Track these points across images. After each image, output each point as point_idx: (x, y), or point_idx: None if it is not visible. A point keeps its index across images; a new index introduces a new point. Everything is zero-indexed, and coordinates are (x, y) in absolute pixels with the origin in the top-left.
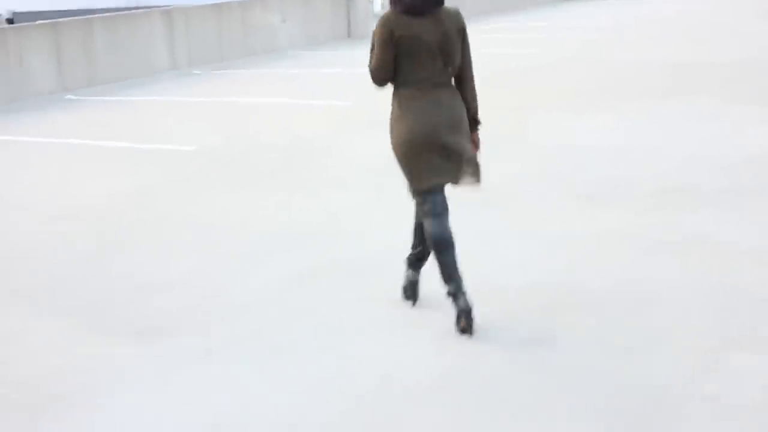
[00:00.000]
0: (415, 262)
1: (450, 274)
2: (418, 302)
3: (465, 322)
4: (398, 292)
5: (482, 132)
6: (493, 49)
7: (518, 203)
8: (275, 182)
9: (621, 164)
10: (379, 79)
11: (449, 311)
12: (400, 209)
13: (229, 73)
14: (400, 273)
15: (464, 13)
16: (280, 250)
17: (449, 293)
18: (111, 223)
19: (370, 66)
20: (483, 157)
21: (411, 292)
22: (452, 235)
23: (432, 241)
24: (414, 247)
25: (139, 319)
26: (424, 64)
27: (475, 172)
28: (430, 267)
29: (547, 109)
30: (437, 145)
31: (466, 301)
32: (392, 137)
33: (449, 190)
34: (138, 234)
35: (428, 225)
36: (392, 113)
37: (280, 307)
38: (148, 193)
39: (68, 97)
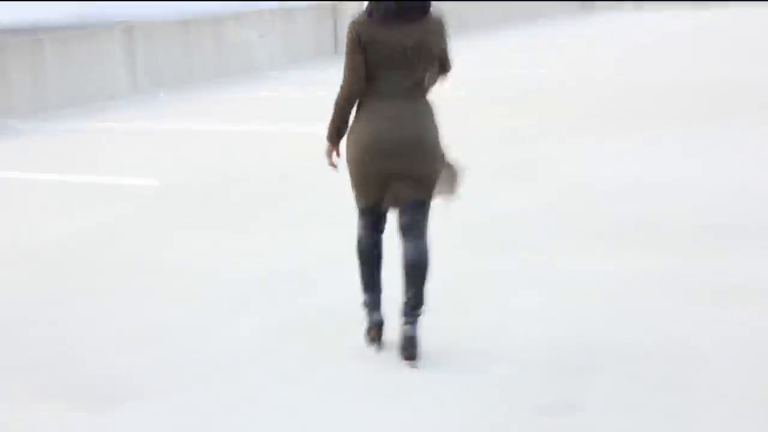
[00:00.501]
0: (410, 311)
1: (368, 283)
2: (418, 360)
3: (375, 333)
4: (395, 347)
5: (488, 164)
6: (498, 70)
7: (531, 243)
8: (254, 221)
9: (651, 199)
10: (348, 90)
11: (454, 372)
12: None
13: (199, 97)
14: (396, 324)
15: (466, 27)
16: (261, 299)
17: (364, 302)
18: (62, 269)
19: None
20: (489, 191)
21: (408, 349)
22: (381, 253)
23: (357, 252)
24: (405, 293)
25: (95, 380)
26: (392, 76)
27: (439, 190)
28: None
29: (563, 136)
30: (384, 170)
31: (380, 315)
32: (346, 147)
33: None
34: (95, 281)
35: (358, 235)
36: (350, 125)
37: (260, 365)
38: (106, 235)
39: (14, 124)
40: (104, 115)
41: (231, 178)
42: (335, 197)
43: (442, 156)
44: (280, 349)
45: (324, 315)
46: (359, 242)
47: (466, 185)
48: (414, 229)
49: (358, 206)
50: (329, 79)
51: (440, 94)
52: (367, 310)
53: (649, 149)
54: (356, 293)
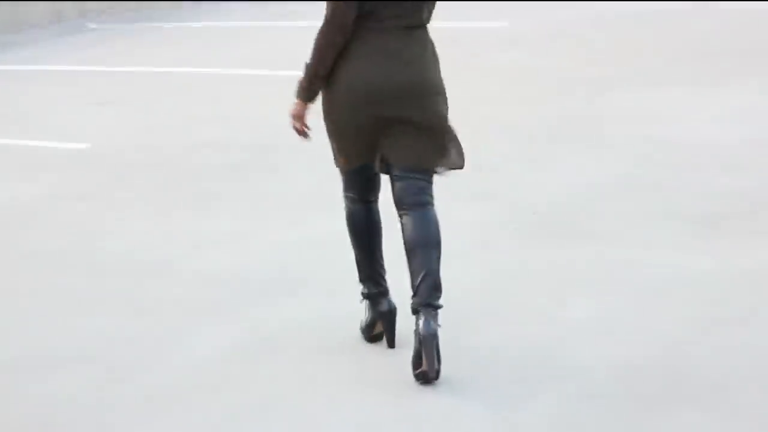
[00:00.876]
0: (423, 303)
1: (365, 272)
2: (432, 384)
3: (385, 324)
4: (405, 372)
5: (542, 122)
6: None
7: (600, 230)
8: (217, 200)
9: (762, 170)
10: (339, 22)
11: (488, 404)
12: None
13: (145, 28)
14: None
15: None
16: (227, 304)
17: (364, 295)
18: None
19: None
20: (543, 158)
21: (423, 360)
22: (379, 224)
23: (348, 228)
24: (414, 282)
25: (18, 410)
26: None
27: (448, 155)
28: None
29: (638, 83)
30: (380, 117)
31: (389, 303)
32: (323, 93)
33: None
34: (5, 279)
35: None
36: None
37: (226, 393)
38: (20, 217)
39: None
40: (15, 53)
41: (186, 140)
42: (325, 169)
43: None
44: (253, 372)
45: (310, 326)
46: (349, 217)
47: (512, 151)
48: (418, 196)
49: (341, 170)
50: (316, 5)
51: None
52: (368, 302)
53: (758, 102)
54: (354, 294)
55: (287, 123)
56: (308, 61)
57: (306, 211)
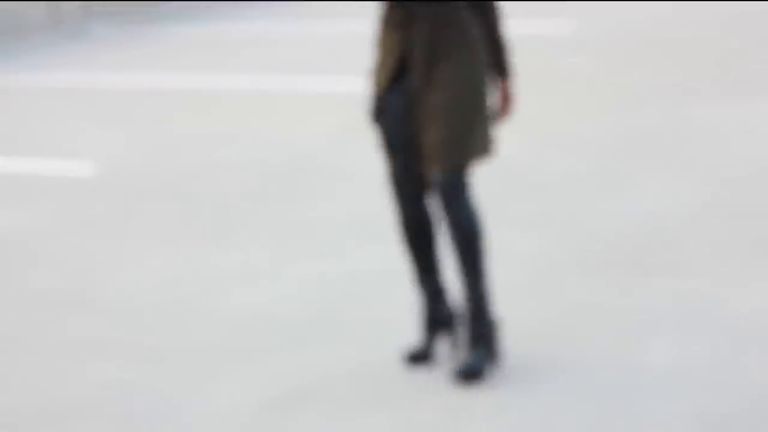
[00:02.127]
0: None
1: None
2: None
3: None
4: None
5: (607, 138)
6: None
7: (682, 264)
8: (241, 230)
9: None
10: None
11: None
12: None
13: (155, 33)
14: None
15: None
16: (253, 351)
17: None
18: None
19: None
20: (612, 180)
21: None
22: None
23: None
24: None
25: None
26: None
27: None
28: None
29: (726, 93)
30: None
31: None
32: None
33: None
34: (4, 322)
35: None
36: None
37: None
38: (17, 250)
39: None
40: (11, 62)
41: (200, 161)
42: (355, 193)
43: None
44: (282, 428)
45: (346, 375)
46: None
47: (578, 171)
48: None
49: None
50: (349, 9)
51: (523, 32)
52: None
53: None
54: (398, 337)
55: (312, 140)
56: (503, 37)
57: (336, 241)
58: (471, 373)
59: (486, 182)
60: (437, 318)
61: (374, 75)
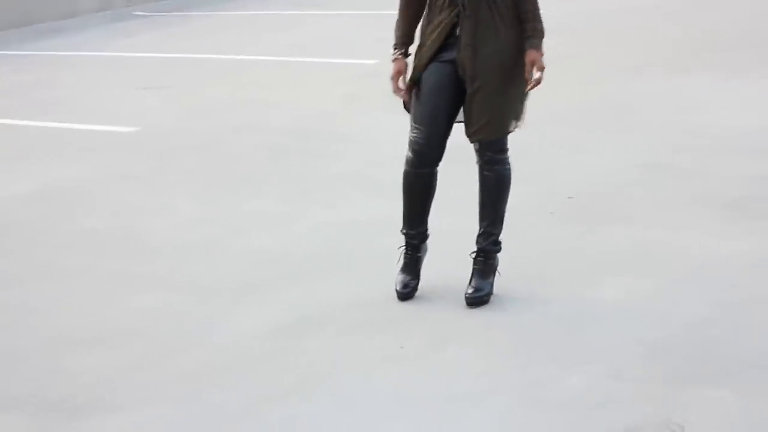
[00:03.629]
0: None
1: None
2: (465, 361)
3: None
4: (442, 349)
5: (568, 110)
6: None
7: (627, 214)
8: (262, 183)
9: None
10: None
11: (514, 388)
12: (455, 224)
13: (191, 16)
14: (447, 317)
15: None
16: (270, 285)
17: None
18: (9, 241)
19: None
20: (572, 146)
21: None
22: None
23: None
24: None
25: (50, 387)
26: None
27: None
28: None
29: (672, 72)
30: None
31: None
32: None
33: None
34: (53, 258)
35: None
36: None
37: (267, 371)
38: (67, 198)
39: None
40: (63, 39)
41: (229, 124)
42: (366, 153)
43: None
44: (294, 349)
45: (350, 305)
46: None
47: (547, 136)
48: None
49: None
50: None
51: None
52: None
53: None
54: (394, 276)
55: (327, 108)
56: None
57: (344, 193)
58: (485, 298)
59: (470, 147)
60: (422, 255)
61: (417, 52)
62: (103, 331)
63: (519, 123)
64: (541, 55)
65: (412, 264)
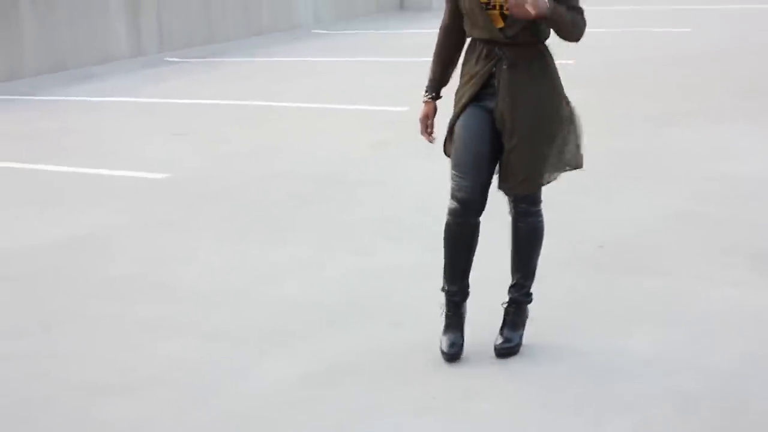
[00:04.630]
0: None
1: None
2: (496, 413)
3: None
4: (471, 397)
5: (595, 158)
6: (612, 26)
7: (657, 265)
8: (290, 230)
9: None
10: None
11: None
12: (485, 273)
13: (221, 62)
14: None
15: None
16: (301, 333)
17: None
18: (40, 287)
19: None
20: (598, 194)
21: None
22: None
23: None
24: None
25: None
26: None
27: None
28: None
29: (697, 120)
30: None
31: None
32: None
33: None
34: (82, 305)
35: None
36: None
37: (298, 420)
38: (98, 244)
39: None
40: (96, 84)
41: (257, 171)
42: (391, 201)
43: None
44: (322, 399)
45: (378, 355)
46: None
47: (574, 185)
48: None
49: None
50: (392, 41)
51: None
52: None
53: None
54: (420, 324)
55: (355, 154)
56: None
57: (369, 240)
58: (515, 349)
59: (499, 194)
60: (464, 313)
61: (456, 97)
62: (132, 379)
63: (556, 174)
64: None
65: (456, 322)
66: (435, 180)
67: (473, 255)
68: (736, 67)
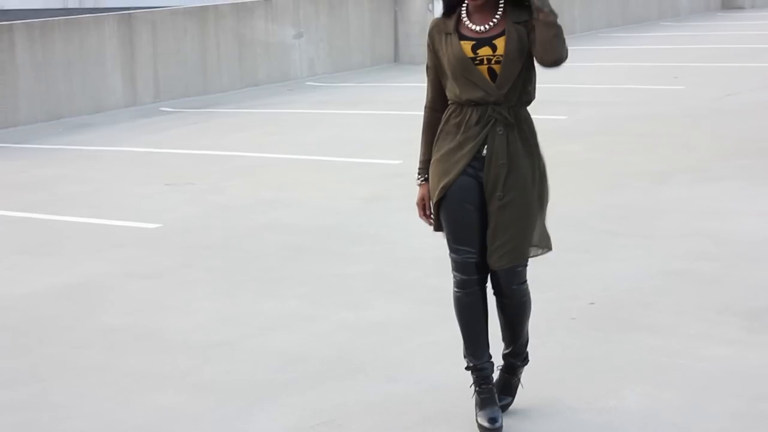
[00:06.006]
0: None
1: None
2: None
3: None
4: None
5: (589, 214)
6: (606, 84)
7: (650, 323)
8: (283, 282)
9: None
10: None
11: None
12: None
13: (216, 113)
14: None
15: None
16: (295, 389)
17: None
18: (30, 337)
19: None
20: (591, 250)
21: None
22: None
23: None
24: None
25: None
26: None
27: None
28: None
29: (692, 177)
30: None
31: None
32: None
33: None
34: (73, 356)
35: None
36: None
37: None
38: (85, 293)
39: None
40: (90, 134)
41: (251, 222)
42: (385, 254)
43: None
44: None
45: (371, 410)
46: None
47: (568, 241)
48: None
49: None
50: (386, 94)
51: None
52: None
53: None
54: (413, 377)
55: (349, 207)
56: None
57: (368, 294)
58: (506, 408)
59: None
60: (494, 386)
61: (435, 167)
62: (121, 430)
63: (544, 249)
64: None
65: (491, 397)
66: (428, 234)
67: (487, 320)
68: (728, 125)
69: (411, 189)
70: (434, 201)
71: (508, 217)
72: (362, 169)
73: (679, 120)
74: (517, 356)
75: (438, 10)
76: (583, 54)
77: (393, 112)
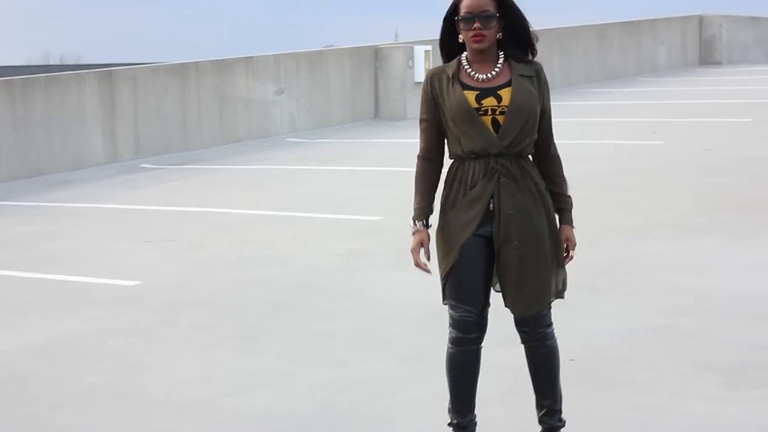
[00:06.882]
0: None
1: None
2: None
3: None
4: None
5: (572, 267)
6: (587, 139)
7: (628, 379)
8: (262, 339)
9: None
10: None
11: None
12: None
13: (197, 169)
14: None
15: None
16: None
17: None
18: (7, 397)
19: None
20: (572, 307)
21: None
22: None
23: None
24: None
25: None
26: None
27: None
28: None
29: (675, 235)
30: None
31: None
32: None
33: None
34: (52, 416)
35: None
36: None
37: None
38: (64, 351)
39: None
40: (70, 191)
41: (231, 279)
42: (365, 311)
43: None
44: None
45: None
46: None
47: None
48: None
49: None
50: (367, 150)
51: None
52: None
53: None
54: None
55: (330, 264)
56: (566, 187)
57: (348, 351)
58: None
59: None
60: None
61: (444, 229)
62: None
63: (564, 291)
64: (573, 229)
65: None
66: (407, 291)
67: (477, 380)
68: (707, 181)
69: (391, 245)
70: (448, 268)
71: (528, 266)
72: (343, 225)
73: (659, 175)
74: (554, 414)
75: (419, 67)
76: (563, 110)
77: (373, 168)
